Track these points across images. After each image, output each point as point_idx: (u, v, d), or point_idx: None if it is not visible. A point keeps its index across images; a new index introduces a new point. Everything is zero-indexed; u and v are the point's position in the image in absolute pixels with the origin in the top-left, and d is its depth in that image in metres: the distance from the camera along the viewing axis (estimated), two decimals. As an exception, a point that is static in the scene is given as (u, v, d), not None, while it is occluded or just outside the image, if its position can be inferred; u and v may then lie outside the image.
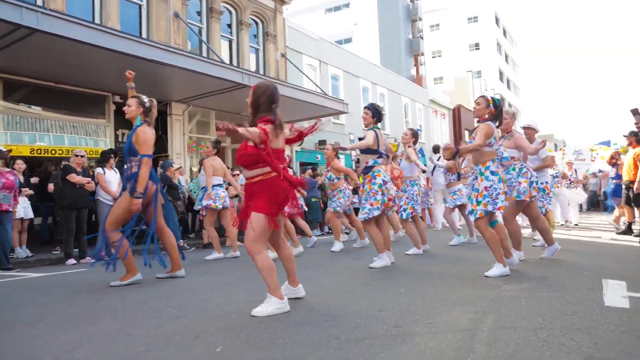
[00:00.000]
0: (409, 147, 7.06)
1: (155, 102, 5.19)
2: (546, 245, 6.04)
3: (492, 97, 5.08)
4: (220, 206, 7.33)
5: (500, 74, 49.96)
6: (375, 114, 5.90)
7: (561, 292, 3.89)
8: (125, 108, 4.97)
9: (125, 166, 4.98)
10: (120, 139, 13.07)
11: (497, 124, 4.95)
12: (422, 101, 27.75)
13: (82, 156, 7.76)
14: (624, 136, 9.78)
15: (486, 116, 4.92)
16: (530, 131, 7.15)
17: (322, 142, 17.94)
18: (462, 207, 8.47)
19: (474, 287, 4.20)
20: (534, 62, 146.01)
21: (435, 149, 11.44)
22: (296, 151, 17.51)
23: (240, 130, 3.14)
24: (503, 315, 3.14)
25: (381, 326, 2.93)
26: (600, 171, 20.69)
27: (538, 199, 6.77)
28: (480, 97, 5.07)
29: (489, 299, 3.68)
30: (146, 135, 4.80)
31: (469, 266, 5.47)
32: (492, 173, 4.74)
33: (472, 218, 4.81)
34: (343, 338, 2.69)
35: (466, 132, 32.54)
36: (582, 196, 15.63)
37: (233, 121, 13.70)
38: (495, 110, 4.94)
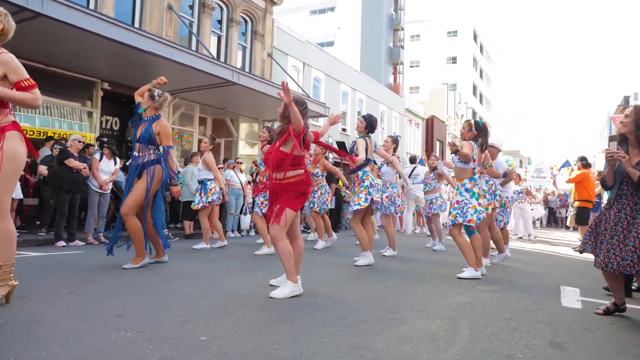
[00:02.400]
0: (393, 155, 7.63)
1: (167, 96, 5.58)
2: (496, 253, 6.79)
3: (475, 121, 5.71)
4: (218, 200, 7.91)
5: (474, 88, 51.51)
6: (368, 125, 6.40)
7: (526, 293, 4.52)
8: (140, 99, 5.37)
9: (136, 153, 5.29)
10: (104, 125, 13.24)
11: (479, 143, 5.54)
12: (399, 109, 28.56)
13: (80, 141, 8.02)
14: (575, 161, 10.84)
15: (467, 137, 5.55)
16: (492, 149, 7.83)
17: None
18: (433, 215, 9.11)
19: (452, 286, 4.79)
20: (508, 78, 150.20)
21: (412, 160, 12.07)
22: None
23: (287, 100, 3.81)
24: (479, 309, 3.73)
25: (379, 311, 3.46)
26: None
27: (498, 214, 7.50)
28: (465, 121, 5.70)
29: (466, 295, 4.27)
30: (169, 129, 5.36)
31: (443, 268, 6.07)
32: (466, 190, 5.36)
33: (450, 226, 5.42)
34: (350, 318, 3.20)
35: (437, 143, 33.59)
36: (539, 212, 16.68)
37: (216, 115, 13.90)
38: (477, 132, 5.55)
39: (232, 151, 16.78)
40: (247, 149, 17.47)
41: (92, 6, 11.86)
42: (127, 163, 5.40)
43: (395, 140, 7.76)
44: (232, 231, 10.93)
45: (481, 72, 55.17)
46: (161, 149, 5.35)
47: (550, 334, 3.11)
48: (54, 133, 11.19)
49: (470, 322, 3.29)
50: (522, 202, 12.72)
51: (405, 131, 29.26)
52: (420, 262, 6.85)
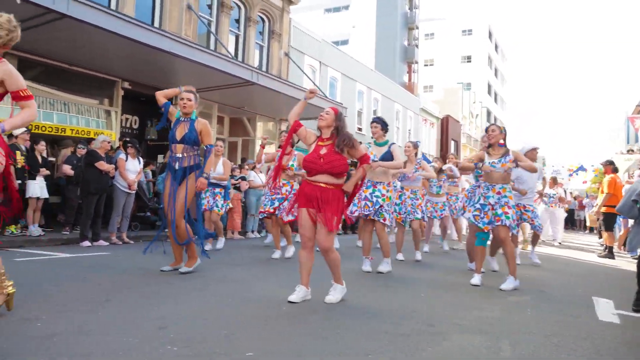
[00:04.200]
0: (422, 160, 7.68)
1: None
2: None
3: (501, 126, 5.67)
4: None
5: (489, 87, 51.15)
6: (384, 126, 6.33)
7: (559, 305, 4.49)
8: (186, 102, 5.27)
9: (179, 155, 5.23)
10: (124, 124, 13.34)
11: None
12: (413, 109, 28.44)
13: (108, 142, 8.10)
14: (601, 164, 10.65)
15: (502, 141, 5.46)
16: (535, 152, 7.58)
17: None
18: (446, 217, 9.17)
19: (482, 295, 4.77)
20: (522, 76, 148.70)
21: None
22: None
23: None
24: (516, 322, 3.70)
25: (419, 325, 3.45)
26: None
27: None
28: (494, 125, 5.66)
29: (499, 307, 4.25)
30: (209, 126, 5.46)
31: (467, 277, 5.97)
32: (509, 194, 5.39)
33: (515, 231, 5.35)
34: (392, 332, 3.20)
35: (452, 142, 33.41)
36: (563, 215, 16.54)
37: (234, 114, 13.75)
38: (505, 137, 5.54)
39: (249, 150, 16.81)
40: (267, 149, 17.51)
41: (113, 6, 11.93)
42: (169, 164, 5.40)
43: (416, 146, 7.74)
44: (252, 232, 10.97)
45: (496, 70, 54.79)
46: (203, 147, 5.39)
47: (594, 352, 3.08)
48: (72, 130, 11.33)
49: (511, 338, 3.27)
50: (552, 207, 12.57)
51: (420, 131, 29.14)
52: (444, 269, 6.83)
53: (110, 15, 9.00)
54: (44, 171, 8.43)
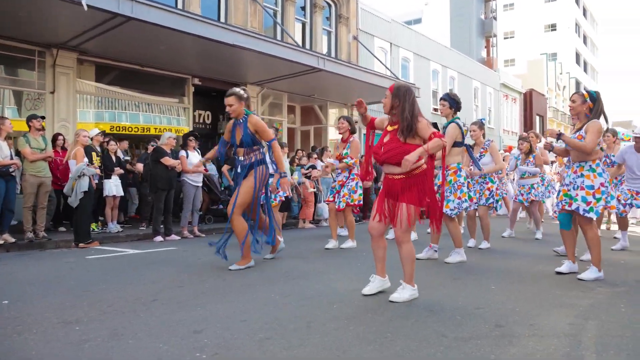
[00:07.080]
0: (492, 141, 7.02)
1: (248, 91, 5.43)
2: None
3: (587, 91, 4.85)
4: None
5: (577, 56, 47.31)
6: (452, 104, 5.76)
7: (662, 300, 3.81)
8: (228, 109, 5.11)
9: (242, 158, 5.19)
10: (197, 120, 13.63)
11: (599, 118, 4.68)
12: (493, 85, 26.89)
13: (174, 138, 8.22)
14: None
15: (588, 113, 4.73)
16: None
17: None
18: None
19: (565, 288, 4.18)
20: (616, 43, 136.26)
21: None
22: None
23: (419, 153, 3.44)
24: (605, 322, 3.14)
25: (483, 325, 3.02)
26: None
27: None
28: (575, 94, 4.92)
29: (586, 302, 3.66)
30: (261, 122, 5.14)
31: (551, 265, 5.33)
32: (603, 171, 4.61)
33: (592, 216, 4.54)
34: (450, 336, 2.80)
35: (537, 118, 31.31)
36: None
37: (304, 103, 13.78)
38: (593, 105, 4.71)
39: (321, 138, 16.64)
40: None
41: (180, 5, 12.15)
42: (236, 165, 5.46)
43: (482, 126, 7.12)
44: (325, 220, 10.88)
45: (585, 37, 50.51)
46: (264, 144, 5.21)
47: None
48: (156, 129, 11.75)
49: (597, 342, 2.74)
50: None
51: (501, 107, 27.54)
52: (522, 256, 6.17)
53: (174, 13, 9.12)
54: (118, 170, 8.73)
